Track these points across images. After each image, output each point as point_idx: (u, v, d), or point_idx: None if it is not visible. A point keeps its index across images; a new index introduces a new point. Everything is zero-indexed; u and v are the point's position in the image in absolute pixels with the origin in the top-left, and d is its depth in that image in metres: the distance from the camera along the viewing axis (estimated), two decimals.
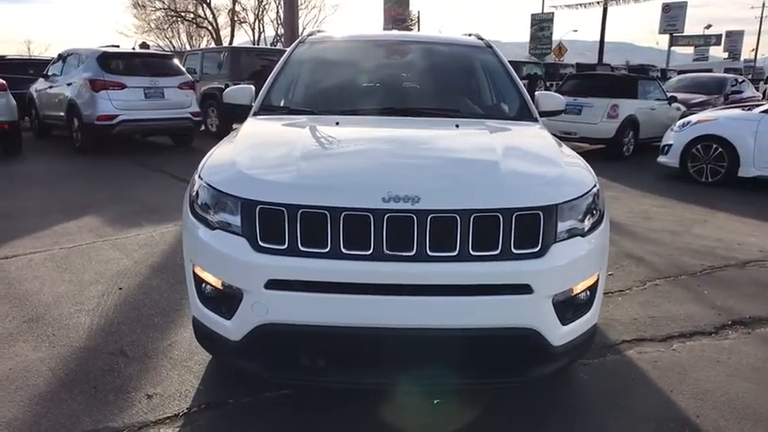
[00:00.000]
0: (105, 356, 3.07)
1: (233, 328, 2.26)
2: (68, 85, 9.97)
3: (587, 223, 2.35)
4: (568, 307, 2.31)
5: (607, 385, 2.86)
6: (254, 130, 2.98)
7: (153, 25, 40.29)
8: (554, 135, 3.16)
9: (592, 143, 10.72)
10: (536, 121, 3.31)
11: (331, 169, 2.41)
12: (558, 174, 2.41)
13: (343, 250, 2.12)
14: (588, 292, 2.42)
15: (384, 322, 2.14)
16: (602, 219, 2.45)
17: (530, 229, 2.18)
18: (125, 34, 47.93)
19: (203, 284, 2.38)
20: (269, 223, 2.17)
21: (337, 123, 2.98)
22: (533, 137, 3.00)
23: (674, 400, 2.74)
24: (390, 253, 2.11)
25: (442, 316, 2.14)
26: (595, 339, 3.26)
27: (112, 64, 9.75)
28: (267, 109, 3.37)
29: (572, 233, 2.27)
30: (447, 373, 2.22)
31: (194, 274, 2.40)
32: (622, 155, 10.29)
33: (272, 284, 2.15)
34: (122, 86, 9.50)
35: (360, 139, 2.84)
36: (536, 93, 3.67)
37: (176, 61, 11.06)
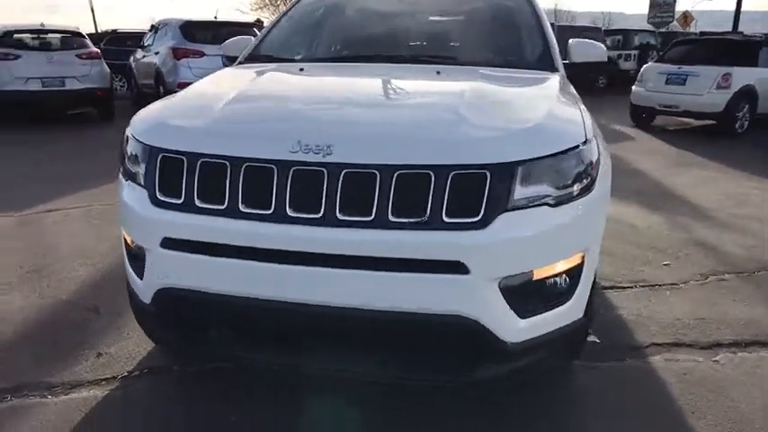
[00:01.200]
0: (79, 311, 3.02)
1: (143, 289, 2.03)
2: (156, 53, 10.40)
3: (566, 190, 1.83)
4: (528, 295, 1.82)
5: (607, 396, 2.31)
6: (211, 78, 2.70)
7: (267, 1, 41.71)
8: (572, 91, 2.59)
9: (697, 118, 9.38)
10: (554, 71, 2.73)
11: (245, 116, 2.07)
12: (530, 126, 1.89)
13: (242, 208, 1.79)
14: (566, 279, 1.90)
15: (290, 296, 1.78)
16: (590, 186, 1.90)
17: (471, 192, 1.71)
18: (241, 11, 50.17)
19: (125, 239, 2.18)
20: (169, 174, 1.89)
21: (301, 70, 2.63)
22: (531, 86, 2.45)
23: (691, 426, 2.15)
24: (293, 215, 1.75)
25: (356, 294, 1.75)
26: (614, 339, 2.74)
27: (194, 33, 10.03)
28: (252, 59, 3.08)
29: (536, 201, 1.77)
30: (366, 362, 1.84)
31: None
32: (734, 131, 8.89)
33: (168, 243, 1.88)
34: (202, 54, 9.72)
35: (305, 87, 2.48)
36: (570, 41, 3.06)
37: (257, 30, 11.17)
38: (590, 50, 2.99)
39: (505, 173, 1.73)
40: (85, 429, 2.14)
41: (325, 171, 1.73)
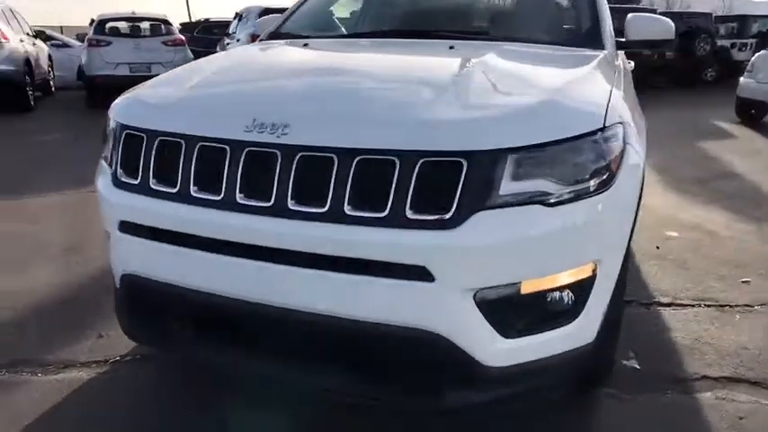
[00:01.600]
0: (97, 290, 3.02)
1: (115, 273, 1.92)
2: (238, 40, 10.65)
3: (572, 187, 1.48)
4: (515, 312, 1.50)
5: None
6: (214, 56, 2.56)
7: None
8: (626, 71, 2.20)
9: None
10: (600, 48, 2.32)
11: (211, 92, 1.87)
12: (528, 106, 1.55)
13: (193, 193, 1.61)
14: (570, 294, 1.56)
15: (242, 293, 1.59)
16: (608, 183, 1.54)
17: (443, 185, 1.42)
18: None
19: None
20: (130, 153, 1.75)
21: (305, 45, 2.41)
22: (558, 63, 2.08)
23: None
24: (243, 202, 1.54)
25: (310, 296, 1.51)
26: (659, 367, 2.32)
27: None
28: (273, 36, 2.91)
29: (530, 198, 1.45)
30: (318, 373, 1.59)
31: None
32: None
33: (125, 227, 1.74)
34: None
35: (289, 63, 2.25)
36: (628, 15, 2.62)
37: None
38: (651, 26, 2.53)
39: (488, 162, 1.41)
40: (59, 411, 2.08)
41: (279, 153, 1.51)
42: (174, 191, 1.63)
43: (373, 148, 1.44)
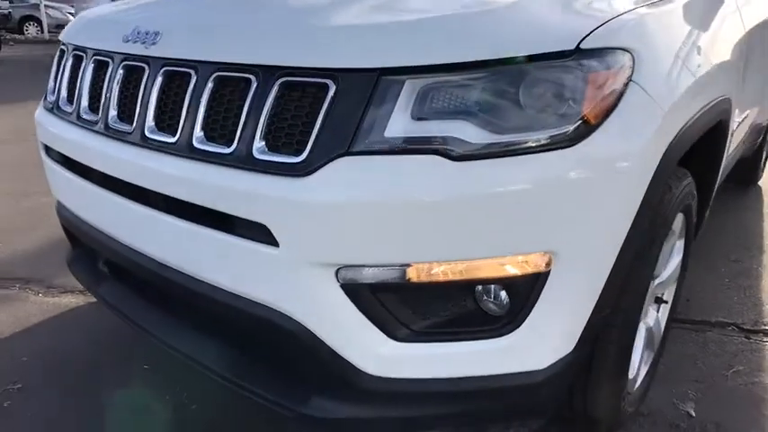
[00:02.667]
0: None
1: None
2: None
3: (509, 137, 0.98)
4: (406, 305, 1.05)
5: None
6: None
7: None
8: None
9: None
10: None
11: (131, 6, 1.59)
12: (453, 13, 1.06)
13: (82, 113, 1.40)
14: (504, 294, 1.06)
15: (115, 232, 1.35)
16: (579, 136, 0.99)
17: (302, 115, 1.02)
18: None
19: None
20: (59, 71, 1.60)
21: None
22: None
23: None
24: (113, 125, 1.28)
25: (166, 247, 1.22)
26: (717, 416, 1.63)
27: None
28: None
29: (429, 146, 0.98)
30: (190, 342, 1.30)
31: None
32: None
33: (46, 150, 1.59)
34: None
35: None
36: None
37: None
38: None
39: (365, 87, 0.97)
40: (45, 328, 2.13)
41: (147, 67, 1.22)
42: (70, 110, 1.44)
43: (233, 63, 1.09)
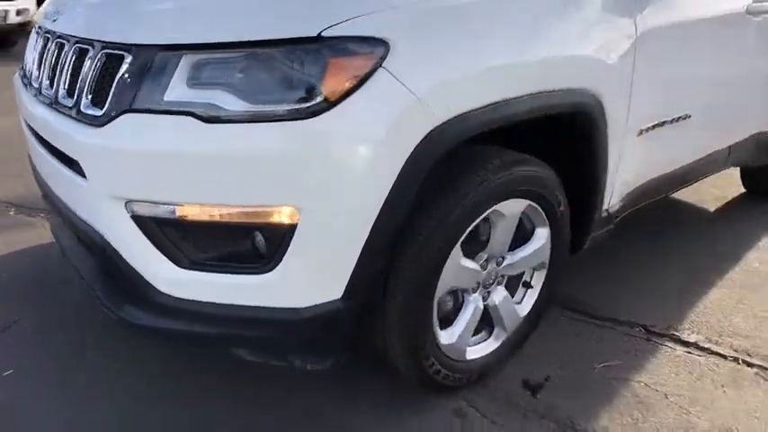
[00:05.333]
0: None
1: None
2: None
3: (258, 107, 1.19)
4: (182, 237, 1.30)
5: None
6: None
7: None
8: None
9: None
10: None
11: None
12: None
13: (33, 81, 1.76)
14: (259, 238, 1.28)
15: (44, 176, 1.72)
16: (317, 110, 1.18)
17: (108, 80, 1.31)
18: None
19: None
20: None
21: None
22: None
23: None
24: (45, 92, 1.61)
25: (60, 187, 1.56)
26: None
27: None
28: None
29: (191, 109, 1.21)
30: (81, 261, 1.63)
31: None
32: None
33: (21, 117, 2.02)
34: None
35: None
36: None
37: None
38: None
39: (147, 59, 1.24)
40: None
41: (50, 38, 1.58)
42: (26, 78, 1.83)
43: (83, 37, 1.42)
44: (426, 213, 1.42)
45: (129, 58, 1.26)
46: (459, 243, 1.50)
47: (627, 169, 1.95)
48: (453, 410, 1.68)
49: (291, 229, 1.25)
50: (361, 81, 1.21)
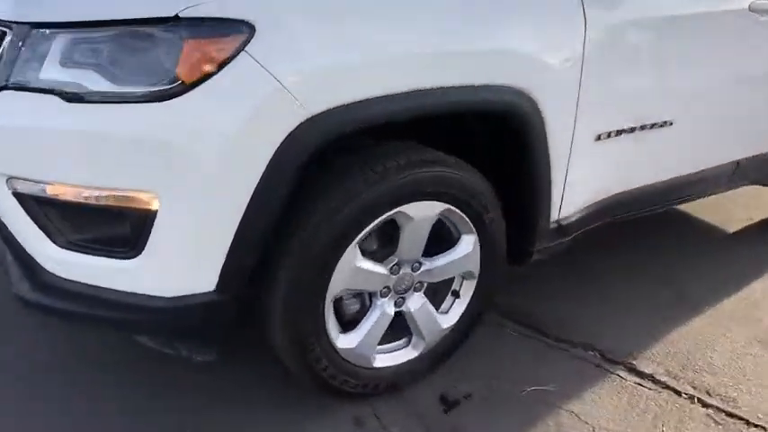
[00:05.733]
0: None
1: None
2: None
3: (117, 88, 1.16)
4: (56, 216, 1.29)
5: None
6: None
7: None
8: None
9: None
10: None
11: None
12: None
13: None
14: (122, 218, 1.24)
15: None
16: (172, 94, 1.14)
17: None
18: None
19: None
20: None
21: None
22: None
23: None
24: None
25: None
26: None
27: None
28: None
29: (58, 88, 1.19)
30: None
31: None
32: None
33: None
34: None
35: None
36: None
37: None
38: None
39: (24, 36, 1.23)
40: None
41: None
42: None
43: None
44: (312, 208, 1.36)
45: (9, 35, 1.27)
46: (354, 243, 1.41)
47: (583, 179, 1.79)
48: (354, 418, 1.61)
49: (152, 215, 1.22)
50: (221, 65, 1.15)
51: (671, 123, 1.93)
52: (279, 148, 1.22)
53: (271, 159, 1.22)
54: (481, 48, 1.43)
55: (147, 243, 1.25)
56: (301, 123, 1.22)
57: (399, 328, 1.67)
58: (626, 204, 2.00)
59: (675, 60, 1.86)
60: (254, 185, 1.23)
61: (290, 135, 1.22)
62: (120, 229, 1.27)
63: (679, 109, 1.94)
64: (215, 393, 1.65)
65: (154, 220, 1.23)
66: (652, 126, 1.89)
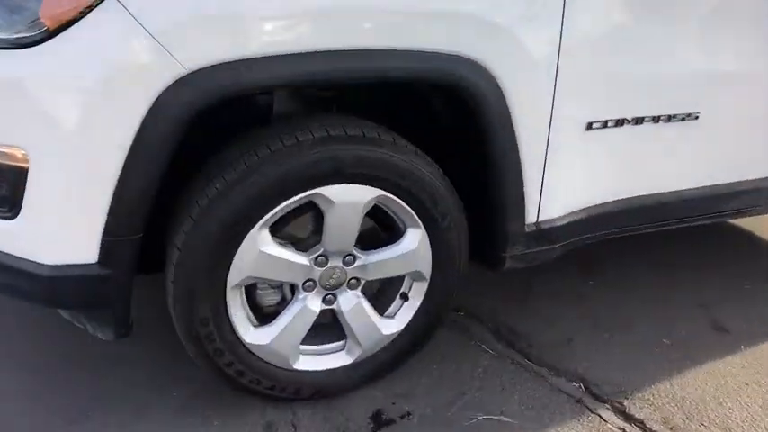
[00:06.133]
0: None
1: None
2: None
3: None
4: None
5: None
6: None
7: None
8: None
9: None
10: None
11: None
12: None
13: None
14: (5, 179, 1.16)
15: None
16: (37, 40, 1.03)
17: None
18: None
19: None
20: None
21: None
22: None
23: None
24: None
25: None
26: None
27: None
28: None
29: None
30: None
31: None
32: None
33: None
34: None
35: None
36: None
37: None
38: None
39: None
40: None
41: None
42: None
43: None
44: (208, 183, 1.21)
45: None
46: (259, 225, 1.25)
47: (569, 176, 1.50)
48: (267, 422, 1.43)
49: (24, 173, 1.13)
50: (86, 11, 1.03)
51: (696, 117, 1.58)
52: (153, 105, 1.07)
53: (144, 117, 1.08)
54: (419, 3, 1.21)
55: (23, 203, 1.15)
56: (178, 80, 1.07)
57: (340, 329, 1.49)
58: (633, 214, 1.66)
59: (704, 34, 1.51)
60: (129, 145, 1.10)
61: (165, 92, 1.07)
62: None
63: (708, 100, 1.58)
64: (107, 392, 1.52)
65: (26, 180, 1.13)
66: (669, 119, 1.56)
